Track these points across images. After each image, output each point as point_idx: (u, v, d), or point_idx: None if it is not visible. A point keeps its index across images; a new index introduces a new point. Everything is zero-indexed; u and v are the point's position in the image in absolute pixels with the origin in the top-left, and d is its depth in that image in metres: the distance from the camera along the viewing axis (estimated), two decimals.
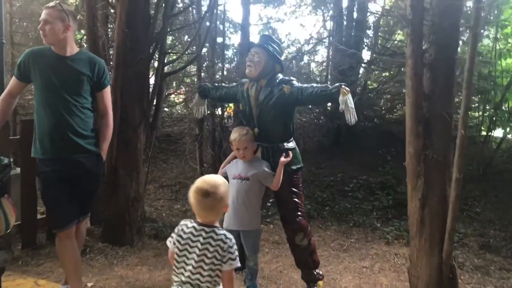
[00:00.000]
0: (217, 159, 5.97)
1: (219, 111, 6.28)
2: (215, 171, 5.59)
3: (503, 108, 6.49)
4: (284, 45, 7.71)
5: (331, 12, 8.18)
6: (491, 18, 5.83)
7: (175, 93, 8.56)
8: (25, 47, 5.89)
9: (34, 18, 6.43)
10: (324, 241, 4.30)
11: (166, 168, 6.81)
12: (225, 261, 1.69)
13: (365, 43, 7.85)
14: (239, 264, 1.74)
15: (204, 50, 6.47)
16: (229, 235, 1.75)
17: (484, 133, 6.68)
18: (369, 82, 8.08)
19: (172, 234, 1.80)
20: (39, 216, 3.56)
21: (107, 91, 2.63)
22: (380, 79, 8.09)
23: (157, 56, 4.08)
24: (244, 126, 2.85)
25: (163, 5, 4.03)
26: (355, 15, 7.83)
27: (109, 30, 5.69)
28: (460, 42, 3.39)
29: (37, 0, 6.65)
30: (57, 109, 2.40)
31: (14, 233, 3.27)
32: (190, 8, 6.21)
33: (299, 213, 2.80)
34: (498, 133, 6.87)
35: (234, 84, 3.11)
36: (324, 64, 8.62)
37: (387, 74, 7.83)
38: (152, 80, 4.33)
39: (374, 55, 7.55)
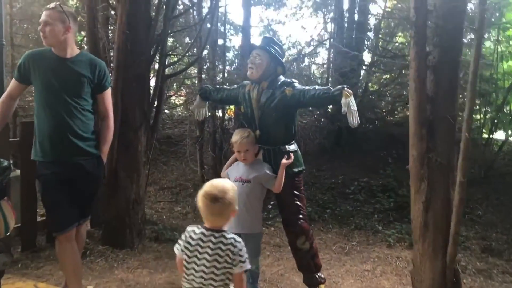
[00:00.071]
0: (217, 161, 5.97)
1: (219, 113, 6.28)
2: (215, 173, 5.59)
3: (505, 110, 6.51)
4: (285, 47, 7.70)
5: (332, 14, 8.19)
6: (493, 20, 5.83)
7: (176, 95, 8.57)
8: (25, 48, 5.87)
9: (35, 19, 6.42)
10: (326, 244, 4.28)
11: (166, 170, 6.80)
12: (236, 264, 1.72)
13: (366, 45, 7.84)
14: (249, 266, 1.76)
15: (205, 52, 6.45)
16: (238, 239, 1.76)
17: (485, 135, 6.66)
18: (370, 84, 8.08)
19: (179, 241, 1.79)
20: (39, 219, 3.54)
21: (108, 93, 2.62)
22: (381, 81, 8.09)
23: (158, 58, 4.08)
24: (245, 128, 2.83)
25: (164, 7, 4.03)
26: (356, 17, 7.82)
27: (110, 31, 5.68)
28: None
29: (37, 2, 6.64)
30: (57, 111, 2.38)
31: (13, 235, 3.25)
32: (191, 10, 6.20)
33: (301, 216, 2.77)
34: (499, 135, 6.87)
35: (236, 86, 3.09)
36: (325, 66, 8.62)
37: (388, 76, 7.82)
38: (152, 82, 4.32)
39: (375, 57, 7.54)
